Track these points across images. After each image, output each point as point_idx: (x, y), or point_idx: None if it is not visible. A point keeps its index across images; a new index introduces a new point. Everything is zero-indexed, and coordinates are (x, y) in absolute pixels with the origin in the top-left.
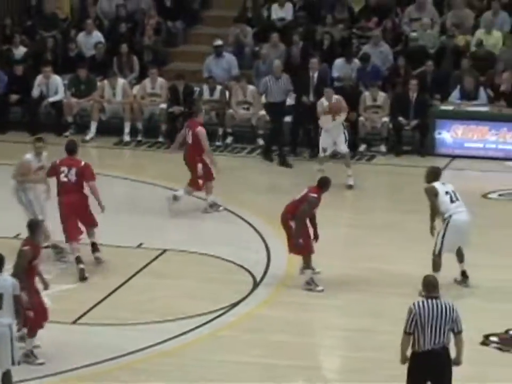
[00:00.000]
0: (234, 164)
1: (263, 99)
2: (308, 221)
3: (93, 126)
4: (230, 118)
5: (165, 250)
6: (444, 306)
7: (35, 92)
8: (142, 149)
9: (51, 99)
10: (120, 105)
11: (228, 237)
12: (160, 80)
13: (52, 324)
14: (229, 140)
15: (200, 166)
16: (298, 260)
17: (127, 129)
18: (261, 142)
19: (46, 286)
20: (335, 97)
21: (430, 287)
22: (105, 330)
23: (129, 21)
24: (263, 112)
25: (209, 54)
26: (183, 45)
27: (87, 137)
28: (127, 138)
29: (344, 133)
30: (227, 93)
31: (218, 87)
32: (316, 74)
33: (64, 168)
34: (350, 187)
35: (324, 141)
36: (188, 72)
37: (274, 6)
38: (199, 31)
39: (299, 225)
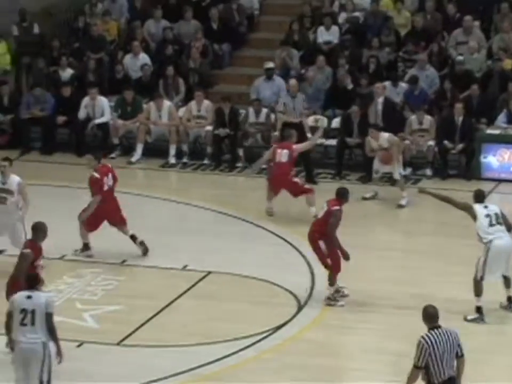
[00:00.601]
0: None
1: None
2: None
3: (139, 148)
4: (276, 140)
5: (209, 272)
6: (449, 333)
7: (81, 114)
8: (187, 171)
9: (97, 121)
10: (166, 127)
11: (272, 259)
12: (206, 102)
13: (97, 344)
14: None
15: (297, 179)
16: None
17: (172, 151)
18: None
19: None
20: (384, 136)
21: (432, 318)
22: (150, 352)
23: (176, 43)
24: (309, 134)
25: (256, 76)
26: (229, 68)
27: (133, 159)
28: (172, 160)
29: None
30: (272, 116)
31: (264, 110)
32: (380, 100)
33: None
34: (401, 206)
35: (376, 163)
36: (234, 95)
37: (321, 29)
38: (245, 54)
39: (332, 239)
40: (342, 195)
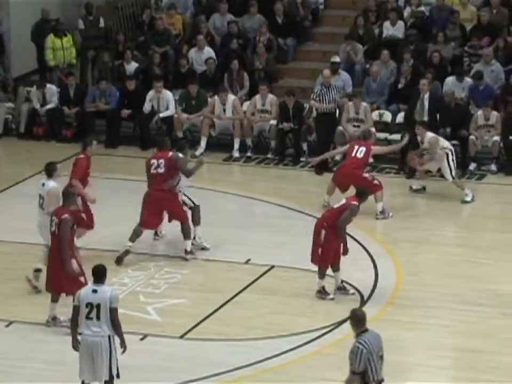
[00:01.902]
0: None
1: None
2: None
3: (203, 142)
4: (340, 135)
5: (272, 266)
6: (377, 335)
7: (146, 107)
8: (251, 165)
9: (162, 114)
10: (230, 121)
11: None
12: (270, 96)
13: (161, 338)
14: (338, 156)
15: (367, 175)
16: (406, 278)
17: (236, 145)
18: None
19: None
20: (428, 136)
21: (361, 321)
22: (213, 345)
23: (240, 37)
24: (372, 129)
25: (320, 70)
26: (294, 62)
27: (197, 153)
28: (236, 154)
29: (448, 161)
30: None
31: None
32: (426, 96)
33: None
34: (465, 202)
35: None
36: (298, 89)
37: (386, 24)
38: (309, 48)
39: (341, 232)
40: (362, 194)
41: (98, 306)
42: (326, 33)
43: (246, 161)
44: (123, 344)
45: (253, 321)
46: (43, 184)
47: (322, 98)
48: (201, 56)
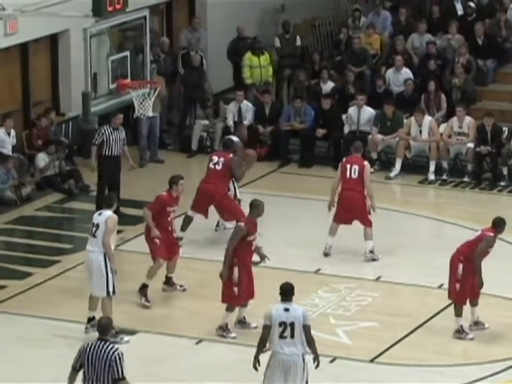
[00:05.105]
0: None
1: None
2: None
3: (398, 163)
4: None
5: None
6: None
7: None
8: (446, 188)
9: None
10: (427, 143)
11: None
12: (467, 118)
13: (350, 361)
14: None
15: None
16: None
17: (432, 167)
18: None
19: (262, 258)
20: None
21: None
22: (404, 371)
23: (439, 58)
24: None
25: None
26: (493, 84)
27: (391, 174)
28: (432, 176)
29: None
30: None
31: None
32: None
33: None
34: None
35: None
36: (497, 112)
37: None
38: (510, 70)
39: (478, 264)
40: (498, 224)
41: (292, 324)
42: None
43: (442, 184)
44: (317, 359)
45: (446, 347)
46: (99, 214)
47: None
48: (399, 77)
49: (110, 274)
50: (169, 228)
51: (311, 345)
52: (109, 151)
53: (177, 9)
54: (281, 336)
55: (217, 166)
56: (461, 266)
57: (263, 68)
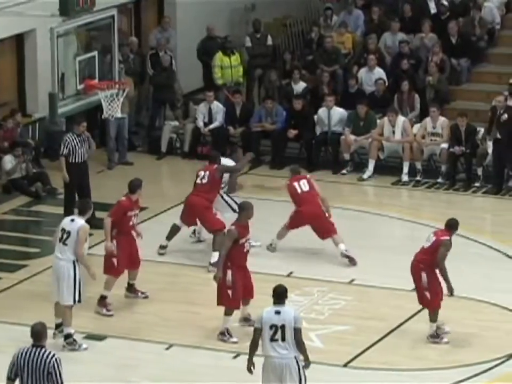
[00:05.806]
0: None
1: None
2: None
3: (371, 164)
4: None
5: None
6: None
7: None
8: (420, 190)
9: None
10: (400, 144)
11: (504, 283)
12: (441, 119)
13: (323, 365)
14: None
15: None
16: None
17: (405, 168)
18: None
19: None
20: None
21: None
22: (378, 375)
23: (412, 57)
24: None
25: (495, 93)
26: (467, 83)
27: (364, 176)
28: (405, 178)
29: None
30: None
31: None
32: None
33: None
34: None
35: None
36: (471, 111)
37: None
38: (484, 69)
39: (443, 270)
40: (451, 226)
41: (283, 327)
42: (502, 54)
43: (415, 185)
44: (307, 360)
45: (419, 351)
46: (72, 220)
47: None
48: (371, 76)
49: (77, 283)
50: (132, 233)
51: (300, 348)
52: (74, 159)
53: (146, 8)
54: (272, 339)
55: (203, 180)
56: (424, 274)
57: (234, 68)
